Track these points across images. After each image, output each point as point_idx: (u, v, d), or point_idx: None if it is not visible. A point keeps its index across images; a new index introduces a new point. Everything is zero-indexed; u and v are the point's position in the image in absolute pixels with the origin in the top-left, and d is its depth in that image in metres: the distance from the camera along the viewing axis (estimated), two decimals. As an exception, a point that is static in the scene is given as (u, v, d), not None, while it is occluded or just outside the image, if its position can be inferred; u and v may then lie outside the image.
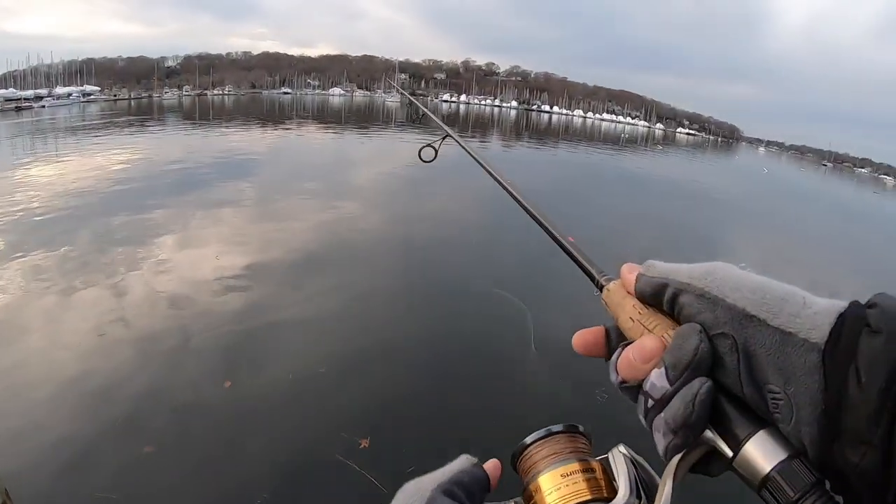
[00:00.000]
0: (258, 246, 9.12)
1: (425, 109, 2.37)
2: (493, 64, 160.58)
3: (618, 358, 0.39)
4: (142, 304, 6.61)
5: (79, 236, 9.16)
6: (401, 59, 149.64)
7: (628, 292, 0.43)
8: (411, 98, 2.93)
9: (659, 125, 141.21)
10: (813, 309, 0.32)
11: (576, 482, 0.41)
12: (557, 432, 0.45)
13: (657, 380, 0.36)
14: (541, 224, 0.67)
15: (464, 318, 6.93)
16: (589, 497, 0.40)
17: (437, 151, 1.53)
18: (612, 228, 13.15)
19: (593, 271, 0.52)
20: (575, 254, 0.56)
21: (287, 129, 36.59)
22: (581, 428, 0.46)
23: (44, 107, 53.10)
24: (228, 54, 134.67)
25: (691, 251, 12.21)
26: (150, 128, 32.87)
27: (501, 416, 4.85)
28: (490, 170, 0.95)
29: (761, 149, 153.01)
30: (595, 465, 0.42)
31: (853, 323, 0.31)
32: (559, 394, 5.23)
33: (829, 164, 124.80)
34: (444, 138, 1.51)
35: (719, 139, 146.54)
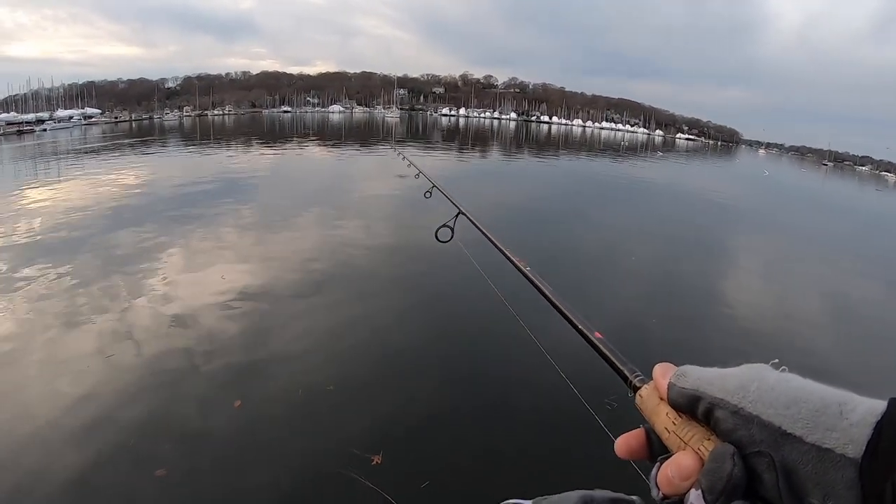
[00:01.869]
0: (263, 265, 9.14)
1: (437, 186, 2.15)
2: (492, 77, 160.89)
3: (657, 473, 0.40)
4: (149, 325, 6.61)
5: (83, 258, 9.19)
6: (399, 74, 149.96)
7: (661, 398, 0.43)
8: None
9: (658, 131, 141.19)
10: (849, 420, 0.32)
11: None
12: None
13: (696, 501, 0.36)
14: (567, 319, 0.64)
15: (475, 333, 6.83)
16: None
17: (452, 231, 1.42)
18: (618, 244, 13.14)
19: (626, 371, 0.51)
20: (606, 352, 0.54)
21: (288, 147, 36.73)
22: None
23: (45, 130, 53.40)
24: (227, 74, 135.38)
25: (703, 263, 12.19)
26: (152, 149, 33.01)
27: (515, 431, 4.82)
28: (513, 259, 0.89)
29: (761, 151, 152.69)
30: None
31: (890, 434, 0.31)
32: (574, 413, 5.17)
33: (830, 164, 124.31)
34: (456, 216, 1.41)
35: (719, 143, 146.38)
